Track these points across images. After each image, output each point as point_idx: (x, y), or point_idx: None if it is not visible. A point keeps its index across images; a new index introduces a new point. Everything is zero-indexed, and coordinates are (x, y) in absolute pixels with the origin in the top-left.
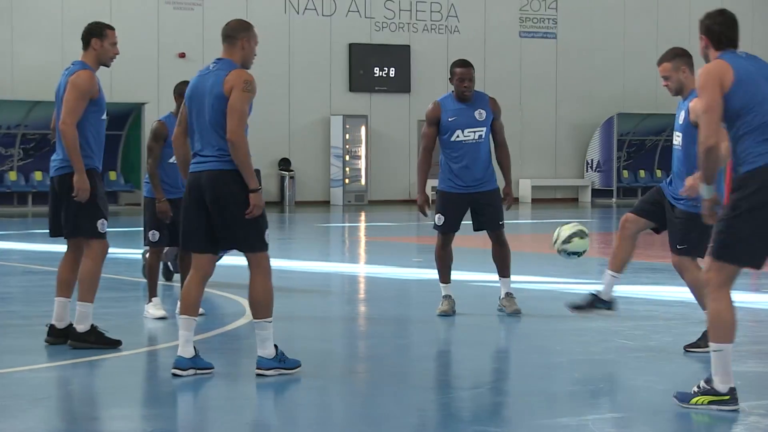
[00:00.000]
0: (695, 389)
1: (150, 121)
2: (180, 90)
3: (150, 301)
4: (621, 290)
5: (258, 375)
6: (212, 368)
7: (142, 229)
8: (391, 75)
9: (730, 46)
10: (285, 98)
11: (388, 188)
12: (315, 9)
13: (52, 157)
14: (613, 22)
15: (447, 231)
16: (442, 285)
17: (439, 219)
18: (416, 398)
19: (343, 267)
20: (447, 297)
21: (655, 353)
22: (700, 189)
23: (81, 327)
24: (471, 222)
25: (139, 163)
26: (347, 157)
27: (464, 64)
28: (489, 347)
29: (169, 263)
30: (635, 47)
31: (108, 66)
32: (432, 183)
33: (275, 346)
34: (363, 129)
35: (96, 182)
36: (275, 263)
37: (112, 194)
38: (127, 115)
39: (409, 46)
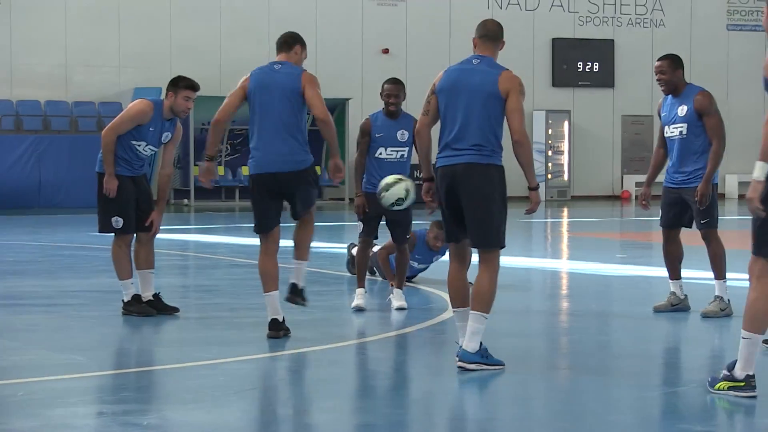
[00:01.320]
0: (721, 375)
1: (354, 116)
2: (382, 88)
3: (356, 291)
4: None
5: (459, 368)
6: (502, 365)
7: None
8: (594, 69)
9: None
10: (524, 97)
11: (591, 183)
12: (518, 4)
13: (275, 149)
14: None
15: (666, 226)
16: (669, 281)
17: (660, 214)
18: (618, 395)
19: (545, 262)
20: (672, 293)
21: None
22: (757, 168)
23: (302, 283)
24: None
25: (344, 157)
26: (550, 153)
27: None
28: (695, 344)
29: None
30: None
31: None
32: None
33: (480, 342)
34: (566, 124)
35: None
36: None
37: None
38: (332, 111)
39: (613, 40)
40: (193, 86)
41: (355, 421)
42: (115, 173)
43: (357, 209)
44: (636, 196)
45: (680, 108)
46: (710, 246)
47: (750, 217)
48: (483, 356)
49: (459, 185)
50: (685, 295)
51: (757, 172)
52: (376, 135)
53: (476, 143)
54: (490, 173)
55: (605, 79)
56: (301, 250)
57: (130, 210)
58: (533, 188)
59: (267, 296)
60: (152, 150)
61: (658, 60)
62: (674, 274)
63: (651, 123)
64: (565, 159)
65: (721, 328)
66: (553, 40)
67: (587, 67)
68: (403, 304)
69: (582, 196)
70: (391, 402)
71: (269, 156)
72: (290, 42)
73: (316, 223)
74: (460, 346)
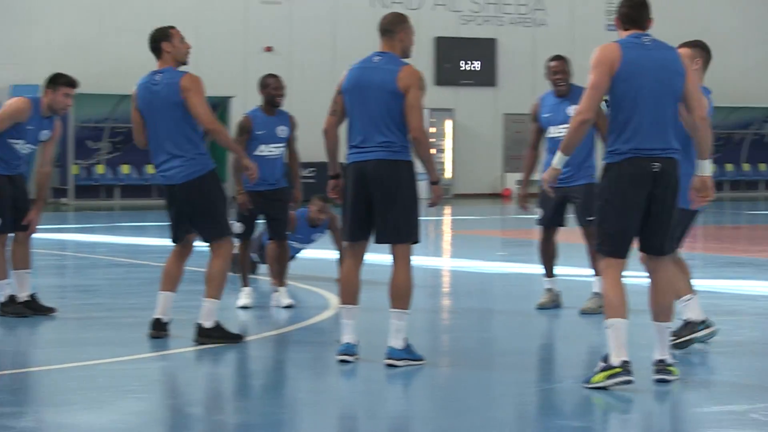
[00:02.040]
0: (596, 369)
1: (236, 114)
2: (264, 83)
3: (241, 290)
4: (706, 285)
5: (389, 365)
6: (424, 360)
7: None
8: (477, 68)
9: None
10: (425, 93)
11: (473, 182)
12: (402, 3)
13: (170, 164)
14: (697, 16)
15: (545, 225)
16: (544, 279)
17: (539, 213)
18: (499, 391)
19: (427, 260)
20: (548, 290)
21: (739, 348)
22: (557, 157)
23: (208, 323)
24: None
25: (224, 156)
26: (432, 151)
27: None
28: (574, 341)
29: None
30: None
31: (186, 63)
32: (517, 176)
33: (405, 338)
34: (448, 122)
35: (220, 181)
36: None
37: None
38: (214, 109)
39: (495, 39)
40: (71, 83)
41: (234, 420)
42: None
43: (242, 207)
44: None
45: (570, 108)
46: (591, 243)
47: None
48: (409, 352)
49: (370, 182)
50: (559, 292)
51: (556, 160)
52: (257, 132)
53: (384, 140)
54: (400, 169)
55: (487, 78)
56: (208, 287)
57: (6, 209)
58: (434, 182)
59: (160, 294)
60: (31, 148)
61: (553, 60)
62: (550, 271)
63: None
64: (447, 157)
65: (600, 324)
66: (437, 38)
67: (470, 66)
68: (291, 301)
69: (464, 194)
70: (272, 401)
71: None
72: (156, 46)
73: None
74: (390, 346)
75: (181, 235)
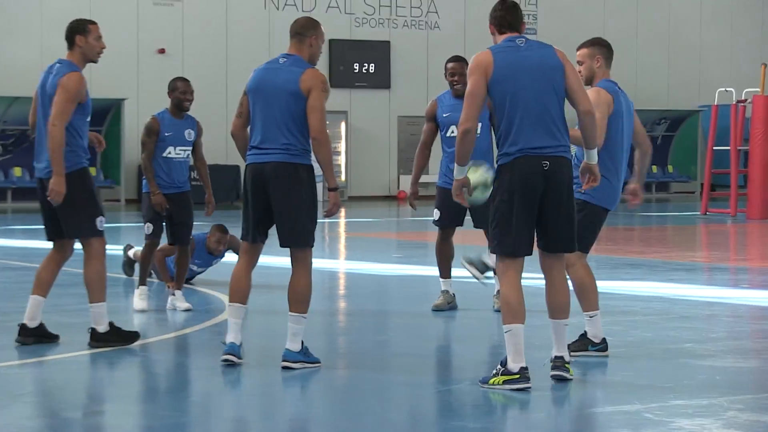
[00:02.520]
0: (494, 371)
1: (129, 116)
2: (173, 86)
3: (137, 289)
4: (600, 285)
5: (284, 367)
6: (320, 362)
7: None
8: (371, 71)
9: None
10: (328, 95)
11: (368, 184)
12: (295, 5)
13: (40, 158)
14: (593, 17)
15: (444, 226)
16: (440, 280)
17: (436, 214)
18: (396, 393)
19: (323, 263)
20: (444, 292)
21: (632, 348)
22: (456, 169)
23: (101, 327)
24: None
25: (118, 159)
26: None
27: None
28: (471, 342)
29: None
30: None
31: (96, 62)
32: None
33: (302, 341)
34: (342, 125)
35: (89, 180)
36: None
37: None
38: (107, 111)
39: (389, 41)
40: None
41: (134, 423)
42: None
43: (158, 207)
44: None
45: None
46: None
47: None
48: (305, 355)
49: (268, 184)
50: (454, 294)
51: (457, 172)
52: (166, 134)
53: (284, 143)
54: (299, 172)
55: (381, 81)
56: (91, 293)
57: None
58: (332, 189)
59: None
60: None
61: (451, 61)
62: (446, 273)
63: None
64: (342, 159)
65: (495, 325)
66: (330, 41)
67: (364, 68)
68: (189, 305)
69: (359, 196)
70: (170, 404)
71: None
72: (70, 36)
73: None
74: (287, 348)
75: (52, 235)
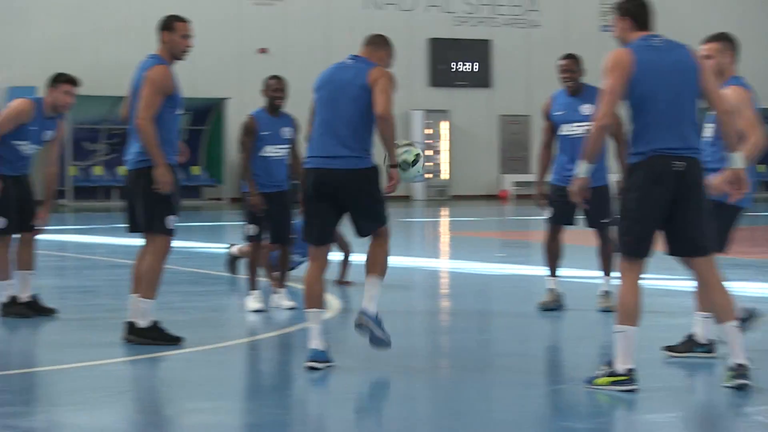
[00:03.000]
0: (598, 371)
1: (232, 116)
2: (266, 84)
3: (250, 293)
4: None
5: (359, 325)
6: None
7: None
8: (471, 70)
9: None
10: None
11: (470, 183)
12: (395, 4)
13: (128, 150)
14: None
15: (554, 224)
16: (547, 278)
17: (548, 211)
18: (501, 393)
19: (425, 262)
20: (550, 290)
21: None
22: (581, 166)
23: (142, 323)
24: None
25: (221, 157)
26: (429, 152)
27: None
28: (576, 342)
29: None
30: None
31: (181, 59)
32: (513, 177)
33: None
34: (444, 124)
35: (172, 178)
36: (358, 257)
37: (195, 189)
38: (210, 111)
39: (489, 40)
40: (72, 81)
41: (239, 421)
42: None
43: (256, 208)
44: (514, 196)
45: (584, 107)
46: (605, 243)
47: None
48: (377, 322)
49: (339, 186)
50: (561, 293)
51: (582, 169)
52: (263, 133)
53: (350, 140)
54: (369, 173)
55: (482, 79)
56: (143, 286)
57: (11, 210)
58: (394, 166)
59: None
60: (34, 149)
61: (563, 59)
62: (554, 271)
63: (528, 123)
64: (444, 158)
65: (603, 325)
66: (431, 39)
67: (464, 67)
68: (293, 303)
69: (461, 195)
70: (274, 402)
71: None
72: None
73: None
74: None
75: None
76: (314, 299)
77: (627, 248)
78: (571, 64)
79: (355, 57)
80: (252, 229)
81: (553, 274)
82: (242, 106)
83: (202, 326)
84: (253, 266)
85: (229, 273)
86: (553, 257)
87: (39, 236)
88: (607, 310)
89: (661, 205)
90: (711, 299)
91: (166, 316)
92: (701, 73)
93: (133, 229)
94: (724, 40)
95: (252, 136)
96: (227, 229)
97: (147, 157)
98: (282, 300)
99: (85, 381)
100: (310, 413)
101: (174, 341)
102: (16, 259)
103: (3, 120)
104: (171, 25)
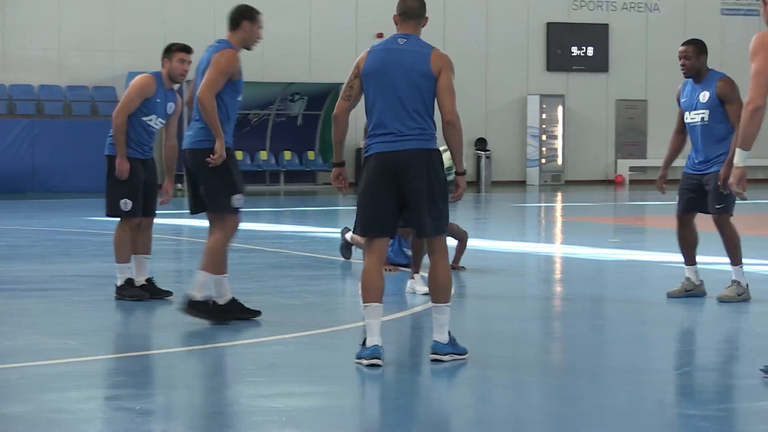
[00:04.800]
0: None
1: None
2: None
3: (412, 277)
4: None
5: (433, 360)
6: (467, 353)
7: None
8: (589, 54)
9: None
10: (482, 78)
11: (585, 168)
12: None
13: (187, 132)
14: None
15: (679, 212)
16: (684, 267)
17: (677, 200)
18: (613, 379)
19: (539, 247)
20: (686, 279)
21: None
22: (737, 155)
23: (198, 295)
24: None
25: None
26: (544, 137)
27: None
28: (687, 329)
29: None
30: None
31: (250, 50)
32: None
33: (449, 331)
34: (560, 108)
35: (230, 158)
36: (471, 243)
37: (310, 174)
38: (326, 96)
39: (607, 24)
40: (185, 48)
41: (349, 405)
42: (126, 156)
43: None
44: (631, 180)
45: (702, 94)
46: (724, 232)
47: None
48: (453, 345)
49: (403, 173)
50: (701, 281)
51: (737, 158)
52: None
53: (417, 127)
54: (434, 159)
55: (599, 64)
56: (204, 259)
57: (138, 193)
58: (460, 173)
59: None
60: (161, 123)
61: (683, 45)
62: (689, 260)
63: (645, 107)
64: (559, 143)
65: (736, 313)
66: (548, 24)
67: (581, 51)
68: (427, 289)
69: (576, 180)
70: (389, 387)
71: None
72: (237, 18)
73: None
74: (435, 341)
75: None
76: (374, 293)
77: None
78: (688, 50)
79: (405, 36)
80: None
81: (688, 263)
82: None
83: (315, 310)
84: (415, 252)
85: (344, 258)
86: (684, 245)
87: (156, 219)
88: (723, 301)
89: None
90: None
91: (280, 299)
92: None
93: (197, 209)
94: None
95: None
96: (341, 213)
97: (206, 137)
98: (417, 285)
99: (197, 364)
100: (421, 398)
101: (222, 319)
102: (133, 242)
103: (130, 97)
104: (254, 15)
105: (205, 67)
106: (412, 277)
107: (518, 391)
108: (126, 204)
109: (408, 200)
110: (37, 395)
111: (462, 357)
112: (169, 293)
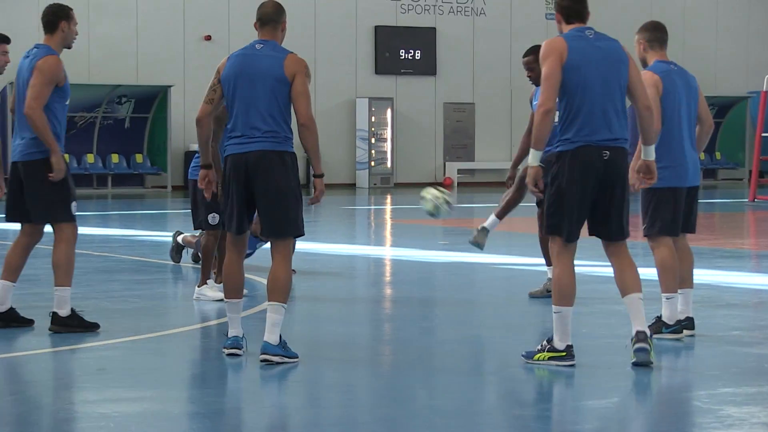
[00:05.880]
0: (538, 347)
1: (175, 103)
2: None
3: (205, 283)
4: (643, 272)
5: (263, 361)
6: (297, 357)
7: (190, 211)
8: (416, 57)
9: None
10: (311, 80)
11: (414, 171)
12: None
13: (15, 142)
14: (640, 1)
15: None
16: (547, 269)
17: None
18: (441, 380)
19: (369, 249)
20: (549, 280)
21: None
22: (531, 155)
23: (63, 312)
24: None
25: (165, 145)
26: (373, 140)
27: None
28: (517, 330)
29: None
30: None
31: (70, 48)
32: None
33: (280, 334)
34: (389, 111)
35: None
36: (301, 245)
37: (138, 177)
38: (153, 98)
39: (435, 28)
40: (5, 39)
41: (179, 410)
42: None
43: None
44: (459, 182)
45: None
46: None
47: None
48: (284, 348)
49: (254, 173)
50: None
51: (532, 159)
52: None
53: (269, 130)
54: (285, 161)
55: (427, 67)
56: (56, 275)
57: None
58: (318, 176)
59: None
60: None
61: (524, 56)
62: (549, 260)
63: (473, 110)
64: (388, 146)
65: (546, 311)
66: (376, 27)
67: (409, 54)
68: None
69: (405, 183)
70: (216, 390)
71: None
72: (53, 20)
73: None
74: (265, 341)
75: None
76: (234, 289)
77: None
78: (530, 60)
79: (263, 42)
80: (214, 218)
81: (548, 263)
82: (186, 93)
83: (143, 315)
84: (207, 255)
85: (174, 261)
86: (544, 247)
87: None
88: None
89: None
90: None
91: (108, 304)
92: (628, 65)
93: (15, 218)
94: (639, 31)
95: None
96: (170, 217)
97: (37, 149)
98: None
99: (23, 371)
100: (251, 402)
101: (93, 328)
102: None
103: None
104: (69, 14)
105: (27, 76)
106: (205, 283)
107: (349, 394)
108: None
109: (257, 200)
110: None
111: (292, 361)
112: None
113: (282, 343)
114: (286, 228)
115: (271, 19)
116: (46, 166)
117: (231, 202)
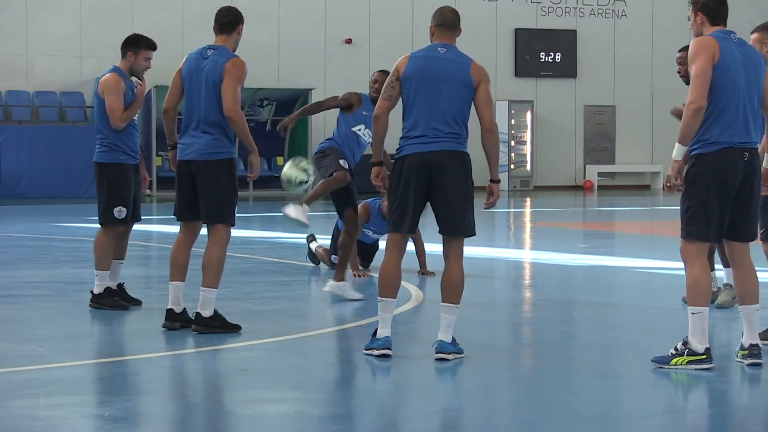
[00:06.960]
0: (672, 351)
1: None
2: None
3: (343, 279)
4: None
5: (438, 359)
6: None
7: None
8: (557, 60)
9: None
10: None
11: (554, 174)
12: None
13: (186, 141)
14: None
15: None
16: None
17: None
18: (582, 384)
19: (508, 252)
20: (727, 285)
21: None
22: (676, 149)
23: (206, 312)
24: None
25: (306, 148)
26: (512, 143)
27: None
28: (658, 334)
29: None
30: None
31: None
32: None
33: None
34: (528, 114)
35: (234, 170)
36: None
37: (280, 179)
38: (295, 101)
39: (575, 30)
40: (153, 46)
41: (321, 411)
42: (122, 163)
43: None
44: (599, 186)
45: None
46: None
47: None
48: (455, 345)
49: (437, 173)
50: (718, 288)
51: (676, 152)
52: (364, 113)
53: (451, 131)
54: (465, 161)
55: (568, 70)
56: (206, 275)
57: (131, 200)
58: (495, 181)
59: (171, 285)
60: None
61: (679, 51)
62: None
63: (613, 113)
64: (527, 149)
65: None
66: (516, 30)
67: (550, 57)
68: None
69: (544, 186)
70: (357, 392)
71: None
72: (233, 22)
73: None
74: (438, 340)
75: (184, 215)
76: (391, 288)
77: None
78: (683, 56)
79: (445, 46)
80: (121, 211)
81: (726, 265)
82: (326, 96)
83: (285, 316)
84: (350, 250)
85: (313, 264)
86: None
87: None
88: (722, 307)
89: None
90: (743, 283)
91: (250, 305)
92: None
93: (186, 217)
94: (764, 30)
95: (353, 107)
96: (311, 219)
97: (218, 149)
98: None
99: (167, 370)
100: (390, 404)
101: (234, 329)
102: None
103: (115, 100)
104: (242, 20)
105: (214, 77)
106: (344, 280)
107: (489, 397)
108: (120, 212)
109: (437, 199)
110: (4, 402)
111: (461, 355)
112: (139, 301)
113: (453, 340)
114: (463, 227)
115: (454, 25)
116: (222, 168)
117: (405, 200)
